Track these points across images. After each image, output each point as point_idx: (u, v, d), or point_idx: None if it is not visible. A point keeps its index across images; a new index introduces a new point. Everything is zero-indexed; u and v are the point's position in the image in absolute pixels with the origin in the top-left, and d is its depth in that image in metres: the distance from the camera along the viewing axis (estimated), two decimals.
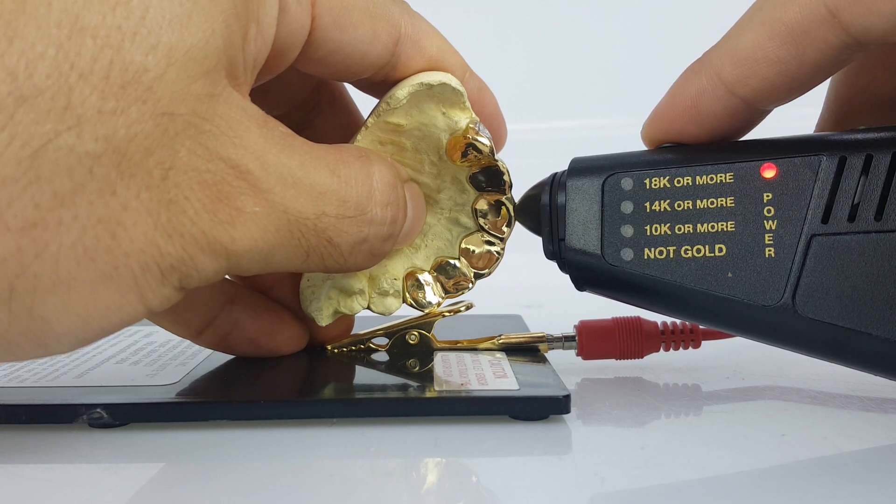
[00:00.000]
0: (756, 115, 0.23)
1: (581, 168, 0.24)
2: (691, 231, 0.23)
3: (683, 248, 0.23)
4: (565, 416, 0.23)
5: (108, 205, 0.16)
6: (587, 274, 0.24)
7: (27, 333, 0.17)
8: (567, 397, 0.22)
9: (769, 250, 0.22)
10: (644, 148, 0.24)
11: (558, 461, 0.20)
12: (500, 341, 0.28)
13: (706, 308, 0.23)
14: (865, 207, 0.21)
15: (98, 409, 0.21)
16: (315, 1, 0.21)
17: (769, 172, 0.22)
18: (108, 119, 0.16)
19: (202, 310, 0.25)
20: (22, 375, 0.24)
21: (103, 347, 0.28)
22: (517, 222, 0.26)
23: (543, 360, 0.27)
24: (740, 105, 0.22)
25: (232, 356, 0.27)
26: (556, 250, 0.24)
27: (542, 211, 0.24)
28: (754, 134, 0.24)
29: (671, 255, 0.23)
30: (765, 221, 0.22)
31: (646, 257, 0.23)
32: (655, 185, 0.23)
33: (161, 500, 0.18)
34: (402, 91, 0.23)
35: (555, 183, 0.24)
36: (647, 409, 0.24)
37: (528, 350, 0.28)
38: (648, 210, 0.23)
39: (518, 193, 0.26)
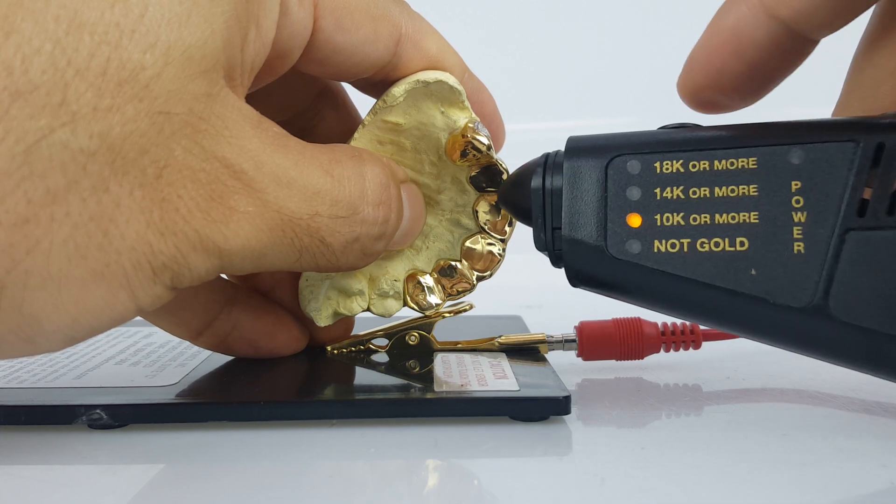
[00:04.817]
0: (801, 44, 0.21)
1: (580, 148, 0.22)
2: (709, 222, 0.20)
3: (699, 241, 0.20)
4: (565, 416, 0.23)
5: (100, 202, 0.16)
6: (586, 268, 0.21)
7: (17, 331, 0.17)
8: (567, 398, 0.22)
9: (798, 245, 0.20)
10: (647, 129, 0.22)
11: (559, 462, 0.20)
12: (501, 342, 0.28)
13: (725, 309, 0.20)
14: None
15: (97, 410, 0.21)
16: (317, 2, 0.21)
17: (798, 158, 0.20)
18: (104, 116, 0.16)
19: (201, 311, 0.25)
20: (21, 376, 0.24)
21: (102, 348, 0.28)
22: (502, 209, 0.24)
23: (543, 360, 0.27)
24: (783, 31, 0.20)
25: (231, 357, 0.27)
26: (550, 241, 0.22)
27: (534, 196, 0.22)
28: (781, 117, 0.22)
29: (685, 249, 0.20)
30: (793, 213, 0.20)
31: (656, 250, 0.21)
32: (667, 168, 0.21)
33: (160, 502, 0.18)
34: (398, 89, 0.23)
35: (548, 164, 0.22)
36: (648, 409, 0.24)
37: (528, 351, 0.28)
38: (659, 197, 0.21)
39: None
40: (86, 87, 0.16)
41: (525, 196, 0.22)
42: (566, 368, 0.29)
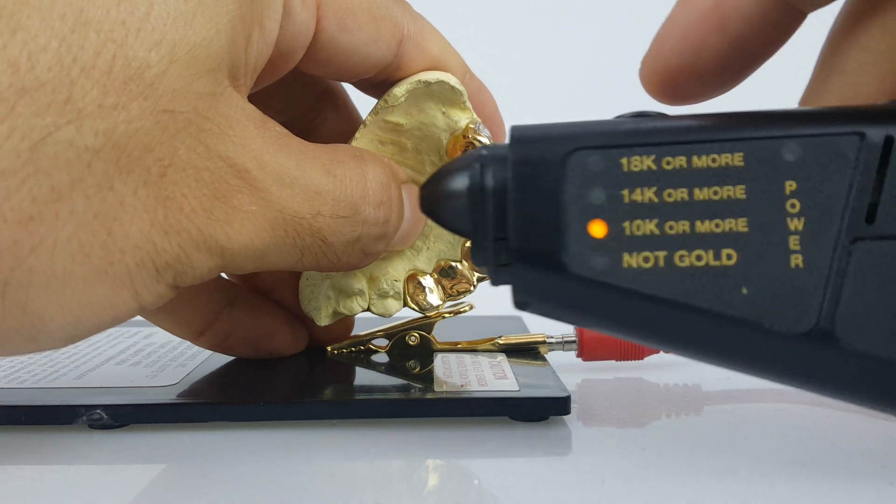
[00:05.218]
0: (791, 17, 0.19)
1: (530, 138, 0.17)
2: (688, 231, 0.17)
3: (678, 254, 0.17)
4: (565, 416, 0.23)
5: (105, 200, 0.16)
6: (540, 288, 0.17)
7: (20, 328, 0.17)
8: (567, 398, 0.22)
9: (796, 258, 0.16)
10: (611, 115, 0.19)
11: (558, 462, 0.20)
12: (500, 342, 0.28)
13: (711, 336, 0.17)
14: None
15: (98, 411, 0.21)
16: (320, 3, 0.21)
17: (793, 154, 0.17)
18: (109, 114, 0.16)
19: (202, 311, 0.25)
20: (22, 376, 0.24)
21: (103, 348, 0.28)
22: (426, 216, 0.19)
23: (543, 361, 0.27)
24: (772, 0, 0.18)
25: (232, 357, 0.27)
26: (494, 254, 0.17)
27: (471, 199, 0.17)
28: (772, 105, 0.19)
29: (661, 264, 0.17)
30: (788, 219, 0.16)
31: (626, 266, 0.17)
32: (636, 166, 0.17)
33: (161, 501, 0.18)
34: (400, 89, 0.23)
35: (488, 158, 0.17)
36: (648, 409, 0.24)
37: (528, 351, 0.28)
38: (628, 200, 0.17)
39: None
40: (91, 85, 0.16)
41: (457, 197, 0.17)
42: (566, 368, 0.29)
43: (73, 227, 0.16)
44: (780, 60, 0.21)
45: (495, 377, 0.24)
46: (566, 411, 0.22)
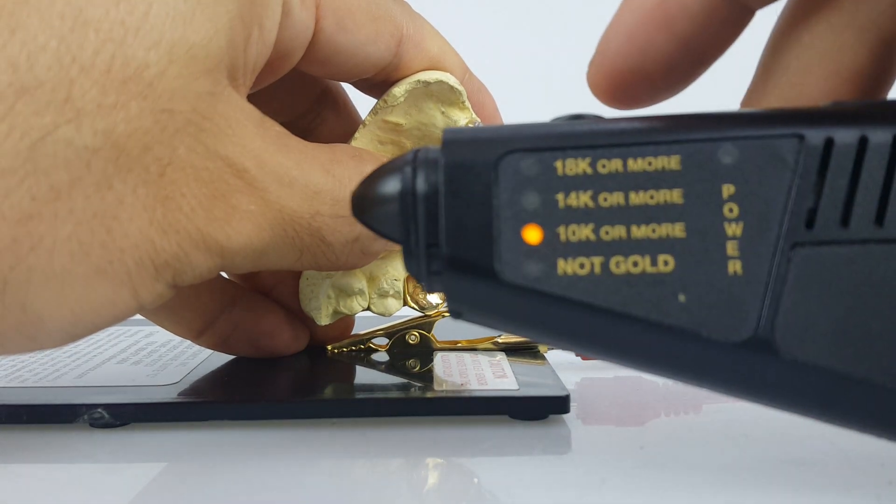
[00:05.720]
0: (738, 14, 0.18)
1: (462, 142, 0.17)
2: (624, 236, 0.16)
3: (614, 261, 0.16)
4: (565, 415, 0.23)
5: (104, 199, 0.16)
6: (473, 297, 0.17)
7: (19, 327, 0.17)
8: (566, 397, 0.22)
9: (734, 264, 0.16)
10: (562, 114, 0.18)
11: (558, 461, 0.20)
12: (500, 341, 0.28)
13: (647, 345, 0.16)
14: (862, 206, 0.16)
15: (99, 409, 0.21)
16: (319, 3, 0.21)
17: (730, 156, 0.16)
18: (108, 113, 0.16)
19: (203, 310, 0.25)
20: (23, 375, 0.25)
21: (104, 347, 0.29)
22: (358, 222, 0.18)
23: (543, 359, 0.27)
24: None
25: (232, 356, 0.27)
26: (426, 262, 0.17)
27: (402, 204, 0.17)
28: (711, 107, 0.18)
29: (597, 271, 0.16)
30: (726, 224, 0.16)
31: (560, 273, 0.16)
32: (571, 169, 0.16)
33: (162, 500, 0.18)
34: (399, 89, 0.23)
35: (419, 162, 0.17)
36: (647, 408, 0.24)
37: (527, 350, 0.28)
38: (562, 205, 0.16)
39: None
40: (90, 85, 0.16)
41: (388, 202, 0.17)
42: (565, 367, 0.29)
43: (73, 226, 0.16)
44: (724, 61, 0.20)
45: (495, 376, 0.24)
46: (565, 410, 0.22)
